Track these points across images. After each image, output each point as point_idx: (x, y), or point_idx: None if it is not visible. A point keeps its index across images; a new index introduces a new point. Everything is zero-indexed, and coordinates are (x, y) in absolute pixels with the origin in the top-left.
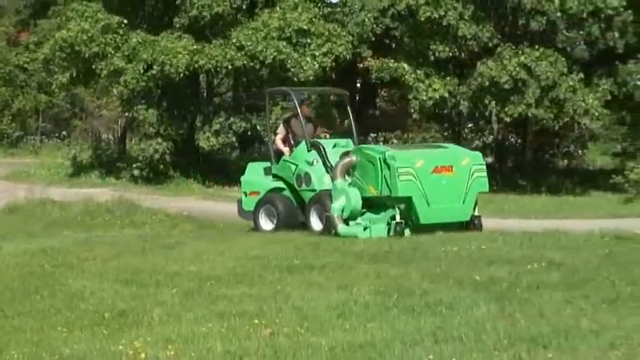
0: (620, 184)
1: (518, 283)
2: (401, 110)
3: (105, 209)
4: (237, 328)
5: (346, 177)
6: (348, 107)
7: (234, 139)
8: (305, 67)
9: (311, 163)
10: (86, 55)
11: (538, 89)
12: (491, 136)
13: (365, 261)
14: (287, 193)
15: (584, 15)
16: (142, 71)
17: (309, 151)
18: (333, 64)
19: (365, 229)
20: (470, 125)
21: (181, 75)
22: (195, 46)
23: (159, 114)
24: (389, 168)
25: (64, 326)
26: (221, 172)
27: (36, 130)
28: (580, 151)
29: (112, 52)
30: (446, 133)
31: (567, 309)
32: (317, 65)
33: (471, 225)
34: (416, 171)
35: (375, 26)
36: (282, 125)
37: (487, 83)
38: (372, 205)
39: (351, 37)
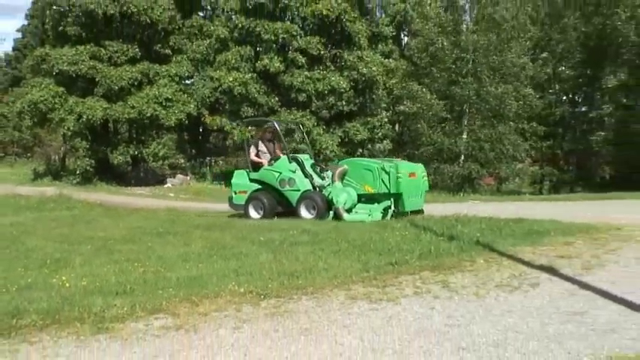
0: None
1: (284, 241)
2: (224, 145)
3: (51, 200)
4: (124, 268)
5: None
6: (304, 133)
7: (129, 159)
8: (169, 120)
9: (294, 171)
10: (43, 110)
11: (301, 134)
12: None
13: (200, 229)
14: (266, 192)
15: (326, 92)
16: (76, 120)
17: (290, 162)
18: (186, 118)
19: (369, 215)
20: None
21: (99, 122)
22: (106, 106)
23: (87, 144)
24: (388, 174)
25: (22, 268)
26: (120, 178)
27: (12, 153)
28: None
29: (58, 107)
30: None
31: (311, 256)
32: (175, 118)
33: (421, 212)
34: (403, 176)
35: (210, 97)
36: (252, 145)
37: None
38: (363, 199)
39: (196, 102)
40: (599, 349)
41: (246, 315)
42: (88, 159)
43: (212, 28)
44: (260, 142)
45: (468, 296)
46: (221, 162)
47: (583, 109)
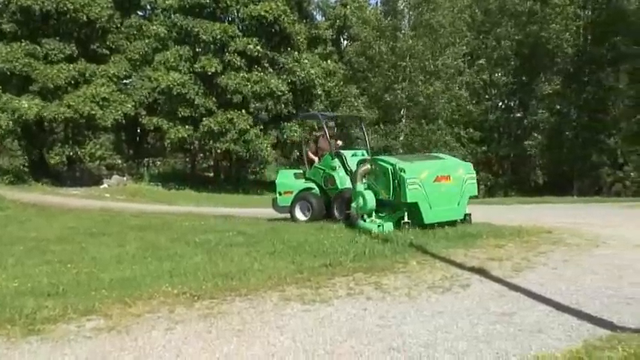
0: None
1: (220, 242)
2: (162, 145)
3: None
4: (57, 269)
5: (363, 181)
6: (363, 126)
7: (65, 159)
8: (106, 119)
9: (334, 168)
10: None
11: (236, 134)
12: (212, 161)
13: (135, 230)
14: (316, 191)
15: (264, 94)
16: (9, 118)
17: (333, 159)
18: (123, 118)
19: (378, 226)
20: (201, 154)
21: (33, 121)
22: (42, 104)
23: (21, 144)
24: (399, 178)
25: None
26: (56, 178)
27: None
28: (261, 170)
29: None
30: (187, 160)
31: (246, 258)
32: (113, 118)
33: (464, 221)
34: (421, 181)
35: (148, 97)
36: (311, 142)
37: (208, 129)
38: (384, 205)
39: (134, 102)
40: (527, 349)
41: (179, 316)
42: (21, 158)
43: (151, 27)
44: (321, 139)
45: (400, 297)
46: (159, 162)
47: (518, 115)
